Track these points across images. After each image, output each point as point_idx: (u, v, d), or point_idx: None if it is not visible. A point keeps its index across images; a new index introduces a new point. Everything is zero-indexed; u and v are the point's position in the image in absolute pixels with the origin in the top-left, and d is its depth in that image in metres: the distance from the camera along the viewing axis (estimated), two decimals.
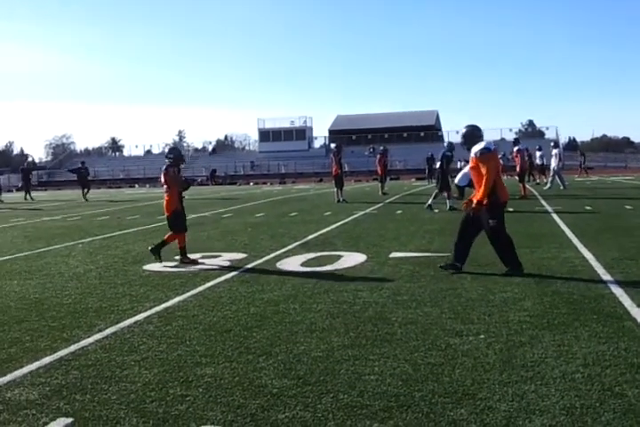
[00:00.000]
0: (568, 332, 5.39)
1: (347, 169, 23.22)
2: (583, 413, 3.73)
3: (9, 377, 4.72)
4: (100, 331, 5.93)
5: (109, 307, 6.93)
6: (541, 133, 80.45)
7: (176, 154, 10.25)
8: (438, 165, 18.10)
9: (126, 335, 5.77)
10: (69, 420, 3.89)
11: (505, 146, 56.91)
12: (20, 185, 40.14)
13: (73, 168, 37.84)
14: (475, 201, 7.73)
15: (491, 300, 6.63)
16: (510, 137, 72.02)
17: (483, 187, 7.62)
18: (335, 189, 23.00)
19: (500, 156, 28.83)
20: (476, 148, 7.79)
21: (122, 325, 6.14)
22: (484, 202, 7.65)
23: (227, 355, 5.08)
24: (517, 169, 22.51)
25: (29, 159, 42.62)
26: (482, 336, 5.34)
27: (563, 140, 74.53)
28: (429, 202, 17.43)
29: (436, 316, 6.07)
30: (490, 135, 69.82)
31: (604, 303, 6.33)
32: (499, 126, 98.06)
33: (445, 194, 17.53)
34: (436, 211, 16.89)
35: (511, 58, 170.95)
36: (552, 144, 28.19)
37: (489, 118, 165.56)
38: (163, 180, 9.92)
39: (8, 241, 13.88)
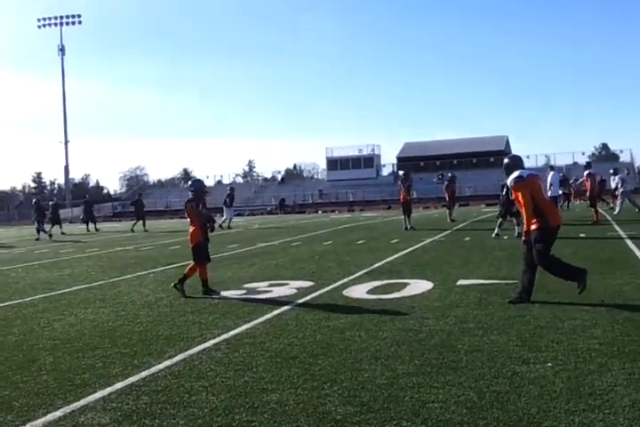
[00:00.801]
0: (639, 360, 5.26)
1: (415, 196, 23.11)
2: None
3: (82, 402, 4.88)
4: (169, 358, 6.08)
5: (179, 334, 7.09)
6: (615, 157, 78.55)
7: (197, 186, 10.35)
8: (504, 191, 17.87)
9: (195, 362, 5.90)
10: None
11: (578, 170, 55.95)
12: (81, 217, 41.19)
13: (132, 200, 38.79)
14: (523, 232, 7.93)
15: (559, 327, 6.53)
16: (583, 161, 70.91)
17: (525, 215, 7.80)
18: (403, 217, 22.95)
19: (571, 181, 28.40)
20: (510, 178, 8.00)
21: (191, 352, 6.28)
22: (533, 228, 7.69)
23: (292, 381, 5.14)
24: (588, 194, 22.02)
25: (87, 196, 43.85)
26: (549, 364, 5.26)
27: (638, 163, 72.72)
28: (496, 231, 17.22)
29: (502, 343, 6.01)
30: (562, 160, 69.02)
31: None
32: (571, 150, 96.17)
33: (514, 220, 17.29)
34: (505, 237, 16.68)
35: (583, 80, 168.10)
36: (611, 171, 27.83)
37: (561, 143, 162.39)
38: (185, 213, 10.09)
39: (84, 271, 14.33)
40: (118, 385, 5.28)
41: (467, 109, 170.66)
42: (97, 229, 35.19)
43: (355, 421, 4.22)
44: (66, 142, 72.48)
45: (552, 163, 70.59)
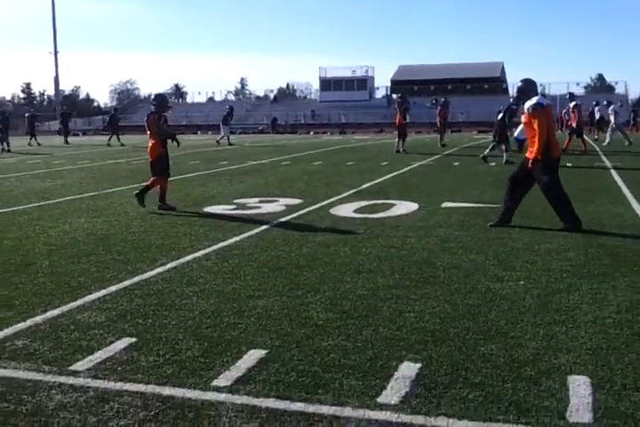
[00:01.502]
0: (606, 281, 5.57)
1: (408, 120, 22.97)
2: (608, 353, 3.96)
3: (79, 302, 5.17)
4: (161, 265, 6.36)
5: (171, 244, 7.35)
6: (611, 88, 77.88)
7: (159, 101, 10.35)
8: (500, 116, 17.94)
9: (185, 270, 6.18)
10: (133, 340, 4.30)
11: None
12: (58, 129, 40.86)
13: (109, 115, 38.28)
14: (530, 159, 7.78)
15: (535, 249, 6.82)
16: (578, 91, 70.35)
17: (537, 143, 7.69)
18: (396, 140, 22.98)
19: (564, 111, 28.33)
20: (529, 103, 7.82)
21: (182, 260, 6.55)
22: (538, 158, 7.70)
23: (278, 290, 5.43)
24: (574, 125, 22.03)
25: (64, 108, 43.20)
26: (521, 282, 5.56)
27: (633, 95, 72.21)
28: (485, 153, 17.41)
29: (480, 262, 6.30)
30: (556, 89, 68.20)
31: None
32: (566, 80, 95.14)
33: (503, 147, 17.47)
34: (492, 164, 16.88)
35: (581, 7, 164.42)
36: (604, 102, 28.11)
37: (556, 72, 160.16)
38: (145, 126, 10.17)
39: (76, 182, 14.50)
40: (112, 288, 5.55)
41: (464, 34, 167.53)
42: (67, 142, 35.04)
43: (335, 326, 4.52)
44: (55, 53, 70.84)
45: (546, 92, 70.13)
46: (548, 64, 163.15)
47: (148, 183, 10.15)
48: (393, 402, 3.36)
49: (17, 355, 4.06)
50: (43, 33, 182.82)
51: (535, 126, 7.70)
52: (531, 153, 7.80)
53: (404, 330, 4.42)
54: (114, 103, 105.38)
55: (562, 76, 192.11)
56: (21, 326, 4.61)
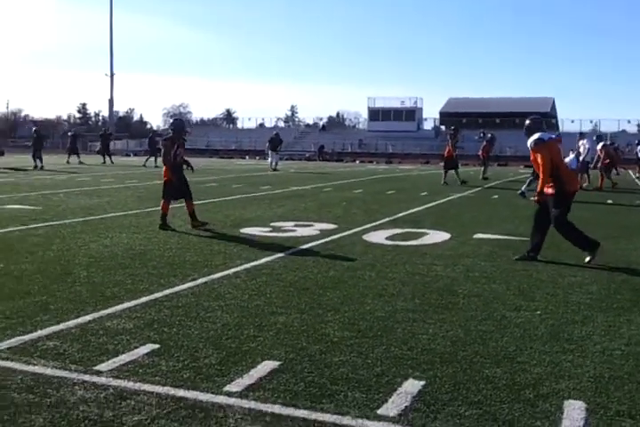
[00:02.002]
0: (623, 315, 5.66)
1: (456, 153, 22.82)
2: (609, 382, 4.08)
3: (110, 310, 5.46)
4: (192, 280, 6.63)
5: (204, 261, 7.63)
6: None
7: (176, 126, 10.55)
8: None
9: (215, 285, 6.44)
10: (156, 346, 4.56)
11: (627, 138, 55.10)
12: (97, 150, 41.91)
13: (148, 137, 38.92)
14: (536, 193, 8.05)
15: (558, 282, 6.92)
16: (630, 129, 69.65)
17: (540, 177, 7.95)
18: (443, 171, 22.79)
19: (613, 147, 28.33)
20: (531, 139, 8.07)
21: (213, 277, 6.82)
22: (549, 192, 7.86)
23: (300, 308, 5.65)
24: (600, 164, 22.34)
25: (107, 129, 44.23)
26: (538, 312, 5.69)
27: None
28: (523, 189, 17.44)
29: (501, 292, 6.44)
30: (608, 127, 67.70)
31: None
32: (619, 117, 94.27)
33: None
34: (532, 198, 16.87)
35: (634, 44, 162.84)
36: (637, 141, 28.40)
37: (608, 109, 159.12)
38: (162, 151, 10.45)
39: (122, 199, 14.99)
40: (143, 299, 5.84)
41: (515, 68, 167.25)
42: (104, 163, 35.55)
43: (349, 343, 4.72)
44: (112, 75, 72.88)
45: (598, 128, 69.55)
46: (601, 101, 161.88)
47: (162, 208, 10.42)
48: (391, 414, 3.53)
49: (47, 354, 4.34)
50: (100, 54, 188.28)
51: (539, 161, 7.93)
52: (540, 184, 8.03)
53: (414, 351, 4.59)
54: (166, 126, 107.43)
55: (614, 114, 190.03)
56: (54, 328, 4.91)
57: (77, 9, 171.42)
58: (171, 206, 10.69)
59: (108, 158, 36.37)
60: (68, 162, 34.06)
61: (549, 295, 6.33)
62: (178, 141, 10.42)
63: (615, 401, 3.78)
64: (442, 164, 23.87)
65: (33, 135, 31.28)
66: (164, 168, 10.50)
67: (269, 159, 32.99)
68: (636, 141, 30.41)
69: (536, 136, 8.08)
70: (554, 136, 8.43)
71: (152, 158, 33.70)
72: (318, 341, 4.77)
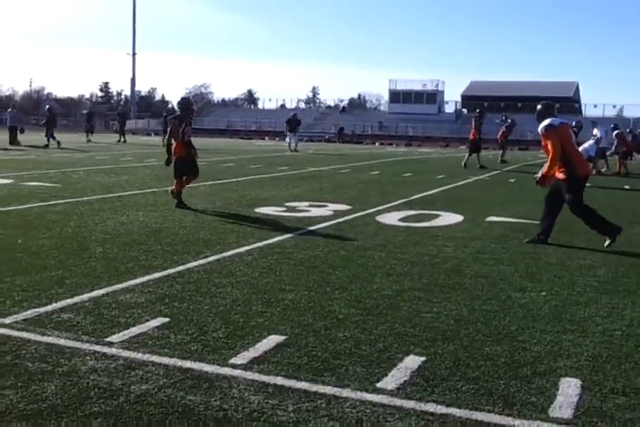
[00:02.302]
0: (627, 297, 5.72)
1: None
2: (606, 361, 4.16)
3: (123, 284, 5.60)
4: (205, 257, 6.76)
5: (217, 239, 7.76)
6: None
7: (183, 104, 10.59)
8: None
9: (226, 263, 6.57)
10: (166, 320, 4.70)
11: None
12: (116, 128, 42.06)
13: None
14: (540, 175, 8.06)
15: (567, 265, 6.98)
16: None
17: (548, 161, 7.95)
18: (468, 154, 22.78)
19: (633, 134, 28.26)
20: (541, 125, 8.06)
21: (225, 254, 6.95)
22: (560, 177, 7.87)
23: (308, 286, 5.77)
24: (620, 150, 22.55)
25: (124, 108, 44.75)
26: (543, 293, 5.76)
27: None
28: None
29: (508, 273, 6.51)
30: (632, 112, 66.90)
31: None
32: None
33: None
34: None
35: None
36: None
37: (634, 93, 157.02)
38: (169, 129, 10.50)
39: (140, 178, 15.16)
40: (156, 275, 5.98)
41: (539, 52, 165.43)
42: (119, 141, 36.02)
43: (354, 320, 4.83)
44: (134, 54, 73.17)
45: (621, 113, 68.78)
46: (625, 86, 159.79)
47: (175, 188, 10.46)
48: (390, 388, 3.64)
49: (61, 326, 4.49)
50: (123, 33, 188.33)
51: (548, 146, 7.92)
52: (547, 169, 8.01)
53: (417, 328, 4.69)
54: None
55: (638, 99, 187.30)
56: (69, 301, 5.06)
57: None
58: (188, 186, 10.80)
59: (122, 137, 36.72)
60: (88, 140, 34.38)
61: (556, 277, 6.40)
62: (185, 120, 10.50)
63: (611, 379, 3.86)
64: (463, 147, 23.84)
65: (46, 113, 31.37)
66: (174, 146, 10.48)
67: (288, 140, 33.08)
68: None
69: (547, 122, 8.06)
70: (565, 122, 8.40)
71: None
72: (324, 317, 4.88)
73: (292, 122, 32.59)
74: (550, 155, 7.95)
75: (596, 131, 20.93)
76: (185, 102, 10.87)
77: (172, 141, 10.46)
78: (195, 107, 11.26)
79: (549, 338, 4.58)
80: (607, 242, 7.91)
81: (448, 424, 3.25)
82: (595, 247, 7.87)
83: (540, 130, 8.17)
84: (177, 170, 10.46)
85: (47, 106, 34.55)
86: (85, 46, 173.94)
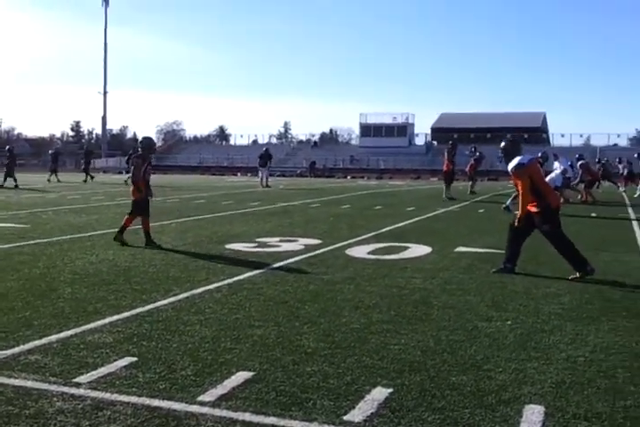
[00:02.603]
0: (591, 324, 5.83)
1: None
2: (570, 387, 4.24)
3: (92, 325, 5.59)
4: (174, 295, 6.78)
5: (187, 277, 7.78)
6: None
7: (145, 144, 10.85)
8: None
9: (196, 300, 6.59)
10: (134, 359, 4.70)
11: (618, 152, 55.42)
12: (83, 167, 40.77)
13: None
14: (517, 218, 8.19)
15: (532, 293, 7.10)
16: (622, 143, 70.15)
17: (520, 202, 8.07)
18: (444, 186, 22.97)
19: (601, 163, 29.02)
20: (511, 164, 8.14)
21: (195, 291, 6.97)
22: (534, 210, 7.98)
23: (277, 321, 5.80)
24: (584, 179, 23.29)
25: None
26: (509, 322, 5.85)
27: None
28: (507, 203, 17.66)
29: (475, 303, 6.60)
30: (598, 141, 68.25)
31: None
32: (611, 131, 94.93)
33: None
34: (517, 212, 17.07)
35: (625, 59, 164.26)
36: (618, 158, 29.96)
37: (600, 122, 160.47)
38: (132, 168, 10.78)
39: (110, 217, 15.11)
40: (125, 314, 5.98)
41: (507, 83, 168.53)
42: (85, 181, 34.93)
43: (322, 354, 4.87)
44: (105, 93, 73.33)
45: (588, 142, 70.07)
46: (592, 115, 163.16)
47: (125, 224, 10.73)
48: (357, 420, 3.68)
49: (28, 367, 4.48)
50: (93, 71, 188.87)
51: (519, 185, 8.06)
52: (521, 210, 8.12)
53: (385, 360, 4.75)
54: (159, 144, 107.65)
55: (606, 128, 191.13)
56: (36, 343, 5.05)
57: (67, 26, 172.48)
58: (158, 224, 10.83)
59: (87, 176, 35.89)
60: (49, 180, 33.97)
61: (521, 306, 6.50)
62: (148, 159, 10.73)
63: (573, 405, 3.94)
64: (434, 178, 24.14)
65: (6, 154, 31.00)
66: (132, 187, 10.70)
67: (260, 175, 33.19)
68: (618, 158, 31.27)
69: (516, 161, 8.12)
70: (532, 157, 8.50)
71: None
72: (292, 352, 4.92)
73: (264, 157, 32.75)
74: (521, 194, 8.05)
75: (557, 164, 21.25)
76: (147, 142, 11.02)
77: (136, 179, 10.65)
78: (155, 147, 11.45)
79: (514, 366, 4.65)
80: (575, 276, 7.92)
81: None
82: (561, 276, 7.99)
83: (510, 170, 8.22)
84: (137, 209, 10.69)
85: (7, 147, 33.99)
86: (56, 85, 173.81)
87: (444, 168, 23.31)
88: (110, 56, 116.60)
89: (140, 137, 12.73)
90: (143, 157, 10.67)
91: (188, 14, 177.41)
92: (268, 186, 31.50)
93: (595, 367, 4.64)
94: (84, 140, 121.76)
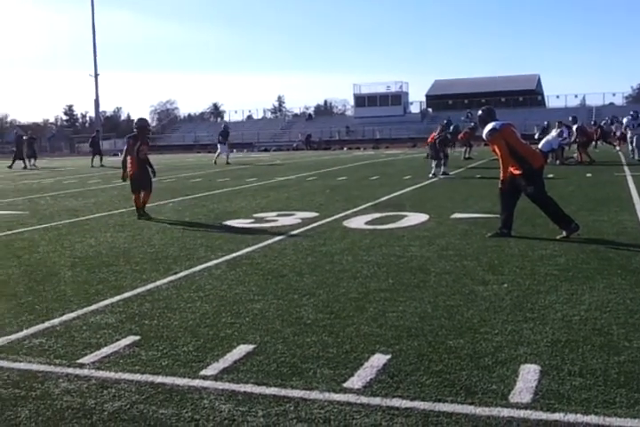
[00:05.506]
0: (586, 283, 5.90)
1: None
2: (565, 346, 4.32)
3: (94, 306, 5.67)
4: (174, 274, 6.85)
5: (186, 255, 7.85)
6: None
7: (140, 125, 11.40)
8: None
9: (196, 277, 6.66)
10: (137, 338, 4.78)
11: (614, 111, 55.26)
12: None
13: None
14: (500, 182, 8.30)
15: (528, 255, 7.16)
16: (617, 102, 69.92)
17: (501, 165, 8.19)
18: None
19: (597, 124, 29.04)
20: (485, 131, 8.34)
21: (194, 269, 7.04)
22: (517, 173, 8.04)
23: (276, 294, 5.88)
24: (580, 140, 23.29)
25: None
26: (505, 285, 5.92)
27: None
28: None
29: (471, 268, 6.67)
30: (594, 100, 68.00)
31: (635, 260, 6.77)
32: (605, 91, 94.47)
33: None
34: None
35: (621, 13, 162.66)
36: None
37: (596, 82, 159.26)
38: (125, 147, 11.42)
39: (107, 200, 15.18)
40: (126, 295, 6.05)
41: (500, 46, 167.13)
42: (24, 167, 33.50)
43: (321, 324, 4.94)
44: (96, 75, 72.61)
45: (584, 103, 69.80)
46: (587, 75, 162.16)
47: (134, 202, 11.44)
48: (356, 387, 3.76)
49: (33, 351, 4.56)
50: (85, 54, 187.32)
51: (496, 150, 8.17)
52: (502, 173, 8.22)
53: (383, 327, 4.82)
54: (154, 124, 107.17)
55: (601, 87, 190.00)
56: (40, 327, 5.12)
57: (54, 10, 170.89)
58: (155, 203, 10.90)
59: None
60: (24, 167, 32.99)
61: (518, 268, 6.57)
62: (141, 139, 11.26)
63: (568, 362, 4.01)
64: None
65: (22, 141, 30.76)
66: (129, 162, 11.33)
67: (219, 151, 32.32)
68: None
69: (489, 127, 8.28)
70: (505, 122, 8.55)
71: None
72: (292, 324, 4.99)
73: (223, 133, 32.26)
74: (500, 158, 8.14)
75: (554, 131, 21.23)
76: (141, 123, 11.54)
77: (127, 159, 11.23)
78: (150, 127, 11.91)
79: (510, 328, 4.73)
80: (562, 235, 8.07)
81: (412, 417, 3.37)
82: (559, 238, 8.05)
83: (484, 136, 8.41)
84: (133, 186, 11.34)
85: (19, 134, 33.45)
86: (47, 70, 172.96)
87: (429, 139, 23.19)
88: (100, 38, 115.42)
89: (134, 118, 13.12)
90: (136, 137, 11.16)
91: None
92: (228, 162, 30.90)
93: (590, 325, 4.72)
94: (77, 124, 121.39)
